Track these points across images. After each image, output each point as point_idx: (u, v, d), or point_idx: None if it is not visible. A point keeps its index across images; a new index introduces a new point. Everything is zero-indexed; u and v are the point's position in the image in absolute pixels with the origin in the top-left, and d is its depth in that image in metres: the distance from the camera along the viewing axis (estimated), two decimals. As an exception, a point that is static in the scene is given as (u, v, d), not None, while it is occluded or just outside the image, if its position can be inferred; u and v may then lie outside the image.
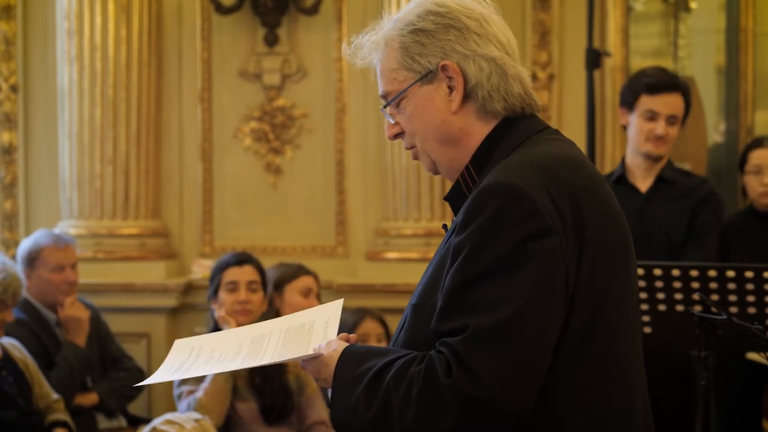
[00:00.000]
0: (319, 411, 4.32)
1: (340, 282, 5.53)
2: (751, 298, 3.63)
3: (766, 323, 3.60)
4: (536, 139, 2.03)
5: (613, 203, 2.02)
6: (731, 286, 3.62)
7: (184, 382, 4.22)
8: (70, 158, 5.56)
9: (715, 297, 3.61)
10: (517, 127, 2.04)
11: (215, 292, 4.44)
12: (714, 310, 3.45)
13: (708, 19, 6.60)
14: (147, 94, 5.61)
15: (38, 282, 4.72)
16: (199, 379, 4.19)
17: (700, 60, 6.70)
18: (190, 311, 5.63)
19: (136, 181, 5.60)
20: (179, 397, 4.25)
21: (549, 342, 1.86)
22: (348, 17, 5.67)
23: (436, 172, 2.12)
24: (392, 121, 2.12)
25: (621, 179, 4.29)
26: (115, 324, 5.16)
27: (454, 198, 2.08)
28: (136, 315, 5.53)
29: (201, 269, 5.59)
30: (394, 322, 2.10)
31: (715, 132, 6.43)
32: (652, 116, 4.17)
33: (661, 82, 4.18)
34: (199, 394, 4.16)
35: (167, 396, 5.13)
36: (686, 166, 4.82)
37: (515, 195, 1.87)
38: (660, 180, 4.26)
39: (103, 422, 4.79)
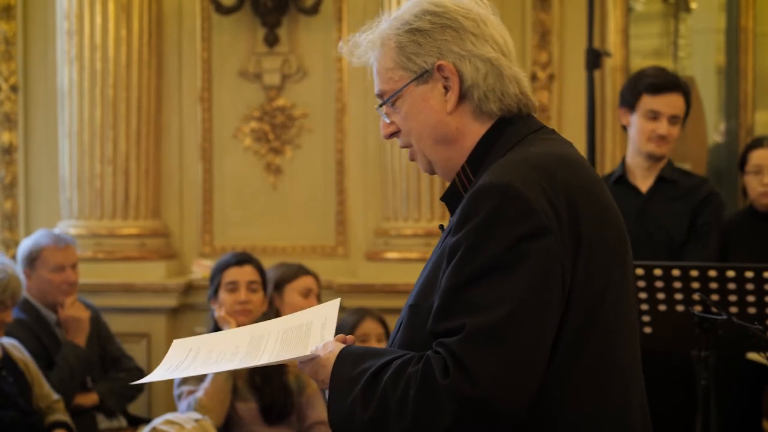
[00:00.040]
0: (319, 411, 4.32)
1: (340, 282, 5.53)
2: (751, 298, 3.62)
3: (766, 323, 3.60)
4: (532, 139, 2.02)
5: (609, 203, 2.02)
6: (731, 286, 3.62)
7: (184, 382, 4.22)
8: (70, 158, 5.55)
9: (715, 297, 3.61)
10: (513, 127, 2.04)
11: (215, 292, 4.44)
12: (714, 310, 3.45)
13: (708, 19, 6.60)
14: (147, 94, 5.61)
15: (38, 282, 4.71)
16: (199, 379, 4.19)
17: (700, 60, 6.70)
18: (190, 311, 5.63)
19: (136, 181, 5.60)
20: (179, 397, 4.25)
21: (545, 342, 1.86)
22: (348, 17, 5.68)
23: (432, 172, 2.12)
24: (388, 121, 2.12)
25: (621, 179, 4.28)
26: (115, 324, 5.16)
27: (450, 198, 2.07)
28: (136, 315, 5.53)
29: (201, 269, 5.59)
30: (394, 323, 2.10)
31: (715, 132, 6.43)
32: (654, 116, 4.16)
33: (663, 81, 4.18)
34: (199, 394, 4.16)
35: (167, 396, 5.14)
36: (686, 166, 4.81)
37: (511, 194, 1.87)
38: (660, 180, 4.25)
39: (103, 422, 4.79)
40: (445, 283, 1.89)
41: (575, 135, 5.13)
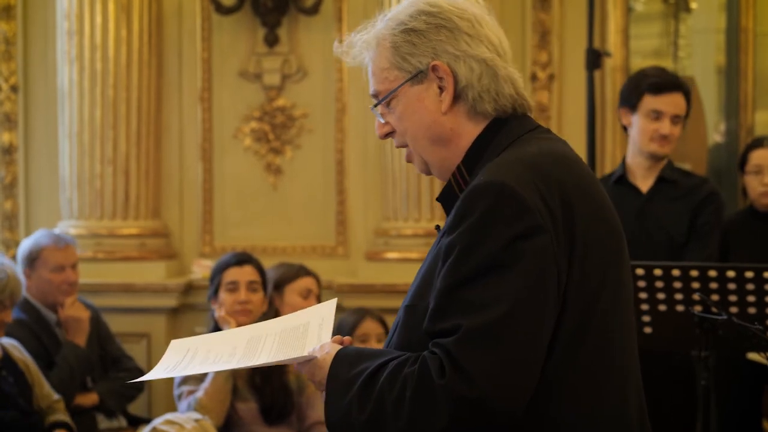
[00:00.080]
0: (319, 411, 4.30)
1: (340, 282, 5.53)
2: (751, 298, 3.62)
3: (766, 323, 3.60)
4: (527, 138, 2.02)
5: (605, 202, 2.02)
6: (731, 286, 3.62)
7: (184, 382, 4.22)
8: (70, 158, 5.56)
9: (715, 297, 3.61)
10: (507, 127, 2.04)
11: (215, 292, 4.44)
12: (714, 310, 3.45)
13: (708, 19, 6.60)
14: (147, 94, 5.61)
15: (38, 282, 4.72)
16: (200, 379, 4.19)
17: (700, 60, 6.70)
18: (190, 311, 5.63)
19: (136, 181, 5.60)
20: (179, 397, 4.24)
21: (541, 341, 1.86)
22: (348, 17, 5.68)
23: (428, 172, 2.12)
24: (383, 121, 2.12)
25: (622, 179, 4.28)
26: (115, 324, 5.16)
27: (446, 198, 2.07)
28: (136, 315, 5.53)
29: (201, 269, 5.59)
30: (394, 323, 2.11)
31: (715, 132, 6.42)
32: (657, 116, 4.16)
33: (666, 81, 4.18)
34: (200, 394, 4.16)
35: (167, 396, 5.14)
36: (686, 166, 4.81)
37: (506, 194, 1.87)
38: (661, 180, 4.25)
39: (103, 422, 4.79)
40: (440, 283, 1.89)
41: (575, 135, 5.15)
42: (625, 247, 2.04)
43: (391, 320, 4.49)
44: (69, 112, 5.54)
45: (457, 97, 2.03)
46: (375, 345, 4.29)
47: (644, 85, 4.19)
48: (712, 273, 3.62)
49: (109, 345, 4.95)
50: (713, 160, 6.37)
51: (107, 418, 4.80)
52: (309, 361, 2.04)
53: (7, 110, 5.96)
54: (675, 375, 4.03)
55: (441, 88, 2.04)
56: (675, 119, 4.18)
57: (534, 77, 5.62)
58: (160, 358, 2.26)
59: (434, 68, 2.03)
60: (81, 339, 4.69)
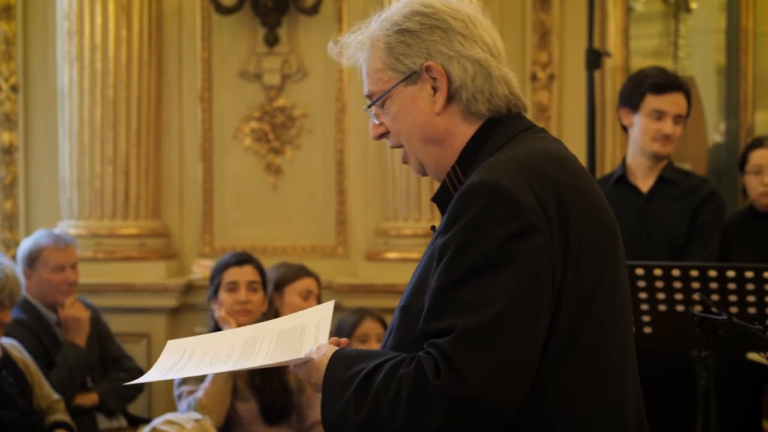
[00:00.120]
0: (319, 411, 4.31)
1: (340, 282, 5.53)
2: (751, 298, 3.62)
3: (766, 323, 3.59)
4: (521, 138, 2.02)
5: (600, 201, 2.01)
6: (731, 286, 3.62)
7: (184, 382, 4.22)
8: (70, 158, 5.56)
9: (715, 297, 3.60)
10: (502, 127, 2.04)
11: (215, 292, 4.45)
12: (714, 310, 3.45)
13: (708, 19, 6.60)
14: (147, 94, 5.61)
15: (38, 282, 4.72)
16: (199, 380, 4.19)
17: (700, 60, 6.70)
18: (190, 311, 5.63)
19: (136, 181, 5.60)
20: (179, 397, 4.25)
21: (536, 341, 1.86)
22: (348, 17, 5.68)
23: (424, 173, 2.12)
24: (377, 121, 2.13)
25: (622, 179, 4.28)
26: (115, 324, 5.16)
27: (441, 198, 2.07)
28: (136, 315, 5.53)
29: (201, 269, 5.59)
30: (393, 323, 2.10)
31: (715, 132, 6.42)
32: (659, 116, 4.16)
33: (667, 81, 4.18)
34: (199, 394, 4.16)
35: (167, 396, 5.14)
36: (686, 166, 4.81)
37: (500, 194, 1.87)
38: (661, 180, 4.25)
39: (103, 422, 4.79)
40: (435, 283, 1.89)
41: (575, 135, 5.15)
42: (621, 246, 2.04)
43: (390, 320, 4.50)
44: (69, 112, 5.54)
45: (450, 98, 2.03)
46: (375, 345, 4.29)
47: (646, 85, 4.18)
48: (712, 273, 3.62)
49: (109, 345, 4.95)
50: (713, 160, 6.37)
51: (107, 418, 4.80)
52: (306, 362, 2.04)
53: (7, 110, 5.96)
54: (675, 375, 4.03)
55: (435, 89, 2.04)
56: (677, 119, 4.18)
57: (534, 77, 5.62)
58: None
59: (428, 69, 2.03)
60: (81, 339, 4.69)
